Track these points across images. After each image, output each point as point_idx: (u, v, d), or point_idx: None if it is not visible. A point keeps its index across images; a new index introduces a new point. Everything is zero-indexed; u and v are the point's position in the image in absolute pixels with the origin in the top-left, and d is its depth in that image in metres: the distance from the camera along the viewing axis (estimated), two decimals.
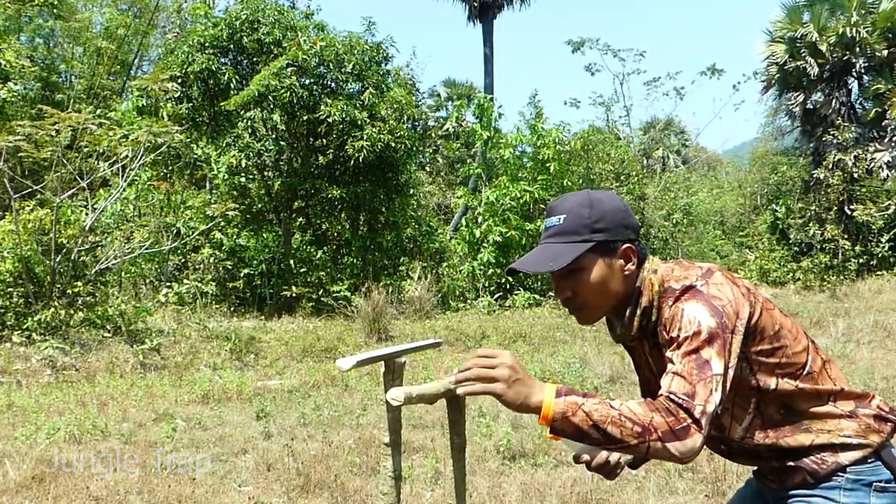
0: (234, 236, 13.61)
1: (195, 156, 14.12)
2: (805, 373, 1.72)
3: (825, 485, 1.73)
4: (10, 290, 9.25)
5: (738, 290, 1.66)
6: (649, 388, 1.83)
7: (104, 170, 10.85)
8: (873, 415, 1.73)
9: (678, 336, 1.61)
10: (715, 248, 17.78)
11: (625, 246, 1.74)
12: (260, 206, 14.23)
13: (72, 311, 9.17)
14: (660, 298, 1.71)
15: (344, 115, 12.86)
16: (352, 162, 13.21)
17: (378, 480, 4.36)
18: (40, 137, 9.69)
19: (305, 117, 13.22)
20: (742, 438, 1.74)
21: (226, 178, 13.50)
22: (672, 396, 1.54)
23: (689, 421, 1.51)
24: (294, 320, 11.85)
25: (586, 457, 1.84)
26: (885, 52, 16.71)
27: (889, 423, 1.72)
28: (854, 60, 17.23)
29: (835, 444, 1.71)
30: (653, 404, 1.55)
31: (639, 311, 1.75)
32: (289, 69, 12.91)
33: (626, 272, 1.74)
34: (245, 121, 13.09)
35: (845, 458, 1.70)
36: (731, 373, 1.59)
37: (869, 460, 1.70)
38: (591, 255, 1.72)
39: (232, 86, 13.51)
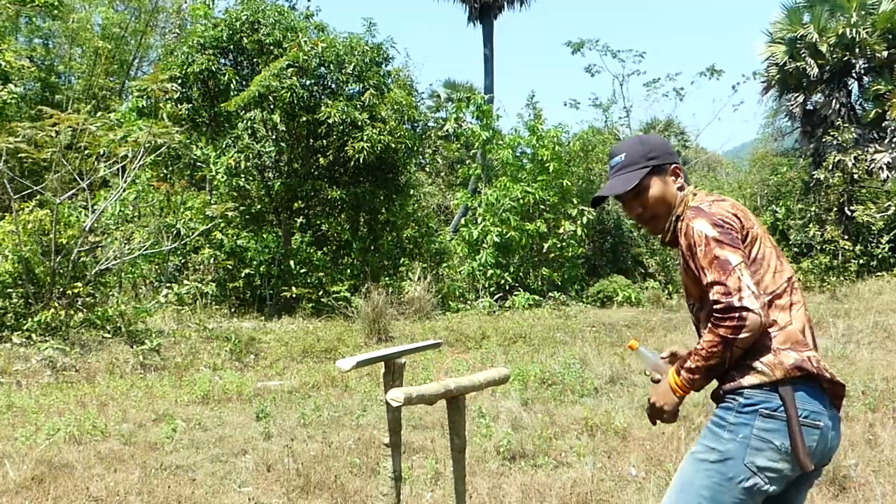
0: (235, 237, 13.61)
1: (195, 157, 14.12)
2: (767, 300, 2.02)
3: (723, 404, 2.07)
4: (10, 290, 9.25)
5: (739, 212, 2.11)
6: (686, 292, 2.24)
7: (104, 170, 10.85)
8: (794, 361, 1.98)
9: (695, 251, 2.05)
10: None
11: (673, 166, 2.28)
12: (260, 206, 14.23)
13: (72, 312, 9.16)
14: (685, 211, 2.17)
15: (344, 116, 12.86)
16: (352, 163, 13.21)
17: (378, 481, 4.36)
18: (40, 138, 9.69)
19: (305, 118, 13.22)
20: None
21: (224, 178, 13.49)
22: (717, 307, 1.94)
23: (738, 312, 1.91)
24: (294, 321, 11.85)
25: (649, 370, 2.28)
26: (885, 54, 16.71)
27: (802, 372, 1.97)
28: (854, 61, 17.23)
29: (744, 366, 2.01)
30: (711, 325, 1.96)
31: (673, 217, 2.24)
32: (289, 70, 12.91)
33: (679, 185, 2.27)
34: (245, 121, 13.08)
35: (746, 380, 2.01)
36: (748, 262, 2.00)
37: (765, 388, 1.99)
38: (650, 176, 2.26)
39: (232, 87, 13.51)
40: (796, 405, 1.96)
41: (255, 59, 13.96)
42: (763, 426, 1.97)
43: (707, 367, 1.99)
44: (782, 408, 1.96)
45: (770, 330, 2.00)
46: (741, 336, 1.90)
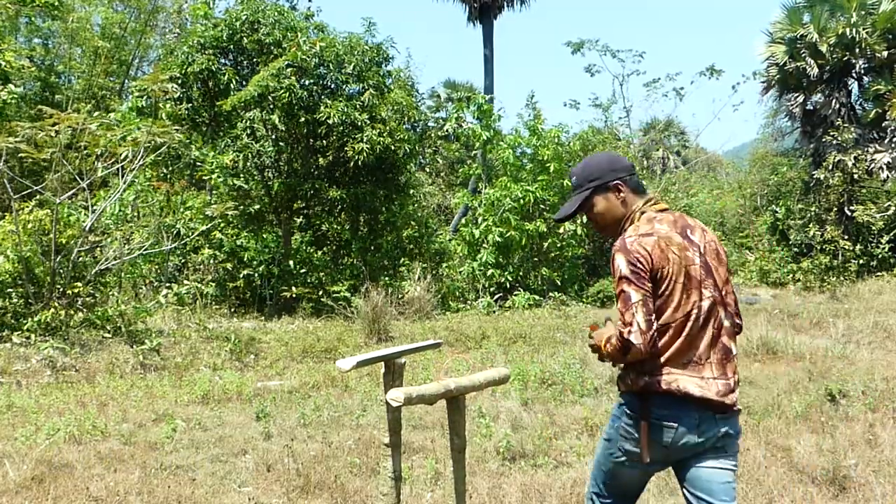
0: (234, 237, 13.60)
1: (193, 157, 14.11)
2: (659, 329, 2.47)
3: (618, 401, 2.66)
4: (10, 290, 9.24)
5: (657, 252, 2.47)
6: None
7: (103, 171, 10.83)
8: (644, 384, 2.51)
9: (613, 278, 2.52)
10: None
11: (614, 182, 2.64)
12: (259, 206, 14.22)
13: (71, 312, 9.16)
14: (618, 239, 2.59)
15: (344, 117, 12.85)
16: (352, 163, 13.20)
17: (378, 481, 4.36)
18: (40, 138, 9.68)
19: (305, 118, 13.20)
20: None
21: (220, 178, 13.44)
22: (619, 330, 2.45)
23: (625, 343, 2.42)
24: (294, 321, 11.85)
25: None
26: (885, 54, 16.70)
27: (651, 391, 2.49)
28: (854, 61, 17.23)
29: (625, 375, 2.59)
30: (616, 335, 2.46)
31: (621, 228, 2.65)
32: (288, 70, 12.90)
33: (621, 199, 2.65)
34: (244, 121, 13.07)
35: (621, 386, 2.61)
36: (649, 297, 2.44)
37: (631, 394, 2.56)
38: (593, 196, 2.67)
39: (232, 86, 13.50)
40: (649, 410, 2.50)
41: (255, 59, 13.95)
42: (627, 422, 2.56)
43: (610, 357, 2.53)
44: (640, 410, 2.53)
45: (652, 354, 2.48)
46: (626, 357, 2.46)
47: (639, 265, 2.44)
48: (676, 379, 2.48)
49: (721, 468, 2.56)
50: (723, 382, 2.50)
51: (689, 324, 2.47)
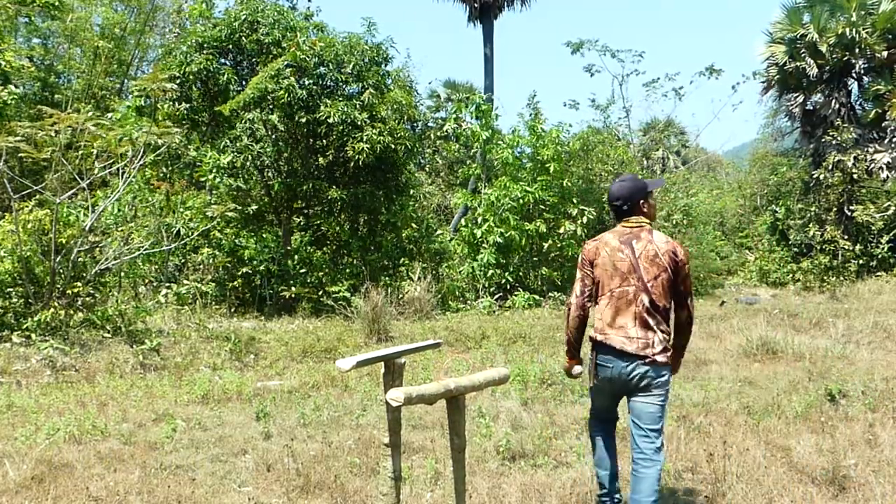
0: (234, 237, 13.59)
1: (192, 156, 14.11)
2: (596, 300, 3.72)
3: None
4: (10, 290, 9.24)
5: (593, 249, 3.74)
6: None
7: (101, 171, 10.82)
8: (591, 334, 3.69)
9: None
10: (715, 248, 17.75)
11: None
12: (259, 206, 14.20)
13: (71, 312, 9.15)
14: None
15: (344, 117, 12.84)
16: (352, 163, 13.20)
17: (378, 481, 4.36)
18: (40, 138, 9.68)
19: (305, 118, 13.20)
20: None
21: (217, 178, 13.42)
22: None
23: (568, 304, 3.83)
24: (294, 321, 11.85)
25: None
26: (885, 54, 16.72)
27: (594, 340, 3.67)
28: (854, 61, 17.24)
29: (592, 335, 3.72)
30: None
31: None
32: (287, 70, 12.89)
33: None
34: (244, 122, 13.06)
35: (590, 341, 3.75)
36: (587, 277, 3.74)
37: (591, 342, 3.69)
38: None
39: (231, 86, 13.47)
40: (596, 352, 3.65)
41: (254, 59, 13.94)
42: (589, 362, 3.72)
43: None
44: (592, 353, 3.69)
45: (596, 315, 3.67)
46: (570, 312, 3.80)
47: (583, 257, 3.76)
48: (610, 336, 3.61)
49: (648, 402, 3.60)
50: (643, 341, 3.56)
51: (616, 298, 3.60)
